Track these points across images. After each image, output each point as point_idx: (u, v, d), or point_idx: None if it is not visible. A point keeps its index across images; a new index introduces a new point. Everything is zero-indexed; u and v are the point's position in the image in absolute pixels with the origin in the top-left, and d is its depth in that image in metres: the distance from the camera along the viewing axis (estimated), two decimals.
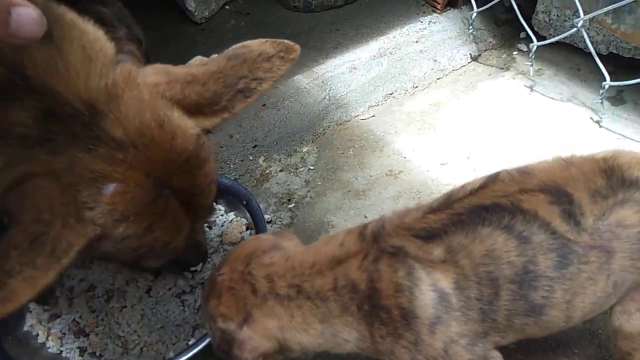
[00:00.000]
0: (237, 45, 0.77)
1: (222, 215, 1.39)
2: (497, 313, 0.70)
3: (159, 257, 0.80)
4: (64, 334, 1.17)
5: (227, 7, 2.26)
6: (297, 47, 0.76)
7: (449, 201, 0.75)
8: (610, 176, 0.74)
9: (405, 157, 1.58)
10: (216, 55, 0.78)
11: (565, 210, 0.71)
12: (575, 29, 1.53)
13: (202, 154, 0.73)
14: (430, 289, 0.69)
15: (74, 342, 1.15)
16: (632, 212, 0.72)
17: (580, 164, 0.76)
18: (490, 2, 1.80)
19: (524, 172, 0.76)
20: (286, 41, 0.76)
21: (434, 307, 0.69)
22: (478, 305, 0.69)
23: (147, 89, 0.69)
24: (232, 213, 1.37)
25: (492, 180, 0.76)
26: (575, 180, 0.74)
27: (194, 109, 0.71)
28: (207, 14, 2.18)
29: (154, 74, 0.72)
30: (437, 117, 1.71)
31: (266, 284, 0.74)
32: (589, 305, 0.74)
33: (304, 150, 1.67)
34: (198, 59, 0.81)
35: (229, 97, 0.71)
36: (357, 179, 1.54)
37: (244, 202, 1.33)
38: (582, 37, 1.56)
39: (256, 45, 0.76)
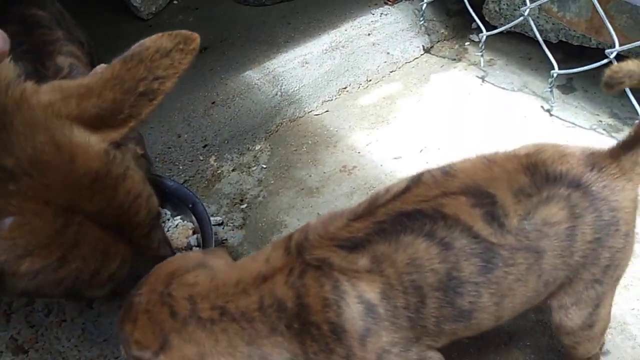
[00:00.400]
0: (135, 45, 0.71)
1: (167, 219, 1.34)
2: (425, 320, 0.68)
3: (99, 287, 0.74)
4: (1, 351, 1.11)
5: (174, 2, 2.19)
6: (196, 35, 0.71)
7: (372, 207, 0.72)
8: (533, 173, 0.71)
9: (359, 152, 1.55)
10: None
11: (487, 212, 0.68)
12: (522, 18, 1.53)
13: (114, 170, 0.67)
14: (357, 301, 0.66)
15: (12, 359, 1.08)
16: (557, 208, 0.69)
17: (503, 162, 0.73)
18: None
19: (446, 173, 0.73)
20: (184, 31, 0.71)
21: (362, 319, 0.66)
22: (406, 314, 0.67)
23: (40, 109, 0.63)
24: (179, 217, 1.32)
25: (415, 183, 0.73)
26: (498, 179, 0.71)
27: (96, 123, 0.66)
28: (154, 9, 2.10)
29: (49, 91, 0.66)
30: (391, 111, 1.69)
31: (187, 306, 0.69)
32: (519, 305, 0.73)
33: (256, 148, 1.62)
34: (99, 67, 0.75)
35: (132, 103, 0.66)
36: (310, 176, 1.51)
37: (190, 206, 1.28)
38: (531, 25, 1.57)
39: (152, 41, 0.70)
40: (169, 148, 1.58)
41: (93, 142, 0.65)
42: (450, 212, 0.68)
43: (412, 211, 0.69)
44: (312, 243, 0.70)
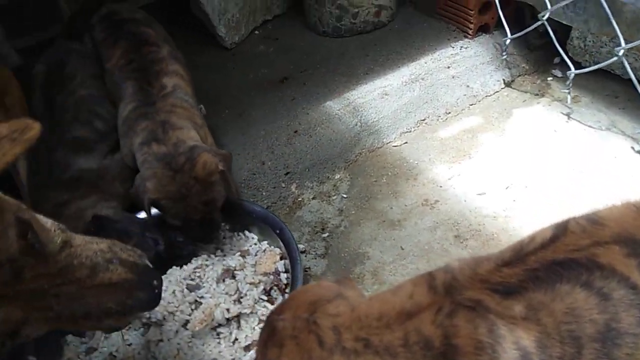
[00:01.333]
0: None
1: (255, 244, 1.37)
2: None
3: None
4: None
5: (256, 32, 2.27)
6: (37, 124, 0.64)
7: (520, 254, 0.72)
8: None
9: (440, 187, 1.55)
10: None
11: None
12: (616, 58, 1.49)
13: None
14: (513, 347, 0.65)
15: None
16: None
17: None
18: (525, 28, 1.78)
19: (594, 222, 0.73)
20: (28, 120, 0.65)
21: None
22: None
23: None
24: (265, 242, 1.35)
25: (562, 231, 0.73)
26: None
27: None
28: (237, 39, 2.19)
29: None
30: (472, 145, 1.68)
31: (332, 336, 0.70)
32: None
33: (336, 177, 1.65)
34: None
35: None
36: (391, 208, 1.51)
37: (277, 231, 1.31)
38: (620, 64, 1.53)
39: None
40: (254, 174, 1.62)
41: None
42: (605, 262, 0.68)
43: (565, 260, 0.69)
44: (462, 284, 0.70)
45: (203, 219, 1.25)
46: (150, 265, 0.86)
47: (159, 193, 1.19)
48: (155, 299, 0.83)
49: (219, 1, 2.06)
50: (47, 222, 0.73)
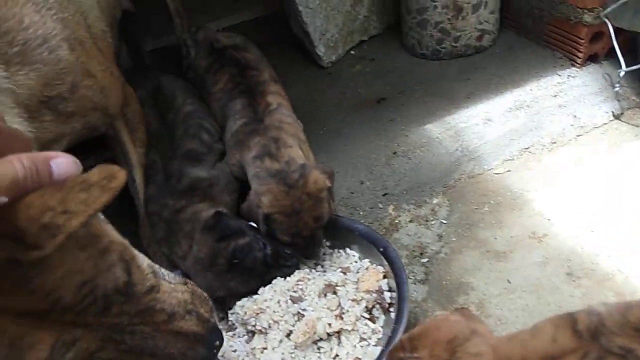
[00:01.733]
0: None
1: (355, 261, 1.36)
2: None
3: None
4: None
5: (352, 52, 2.30)
6: (123, 173, 0.65)
7: None
8: None
9: (548, 219, 1.48)
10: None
11: None
12: None
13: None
14: None
15: None
16: None
17: None
18: (638, 59, 1.69)
19: None
20: (112, 167, 0.65)
21: None
22: None
23: None
24: (367, 260, 1.34)
25: None
26: None
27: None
28: (333, 58, 2.22)
29: None
30: (580, 177, 1.60)
31: None
32: None
33: (434, 202, 1.62)
34: None
35: (35, 232, 0.58)
36: (495, 238, 1.46)
37: (381, 249, 1.29)
38: None
39: (91, 174, 0.64)
40: (352, 193, 1.62)
41: None
42: None
43: None
44: (611, 330, 0.67)
45: (311, 234, 1.26)
46: (219, 326, 0.90)
47: (273, 207, 1.23)
48: (211, 358, 0.86)
49: (321, 22, 2.10)
50: (144, 262, 0.78)
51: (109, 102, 1.19)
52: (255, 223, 1.28)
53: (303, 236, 1.25)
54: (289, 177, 1.24)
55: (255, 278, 1.25)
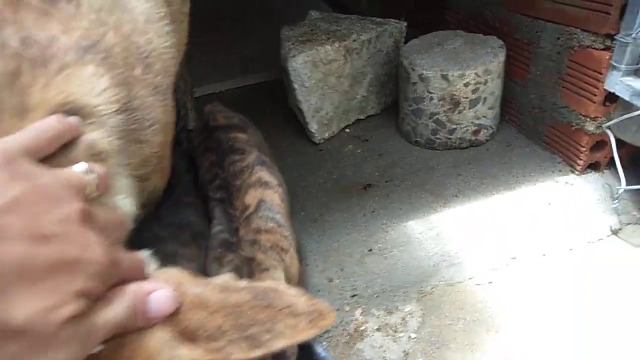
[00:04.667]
0: (272, 284, 0.65)
1: None
2: None
3: None
4: None
5: (346, 130, 2.24)
6: (333, 314, 0.63)
7: None
8: None
9: (525, 349, 1.34)
10: (247, 283, 0.65)
11: None
12: None
13: None
14: None
15: None
16: None
17: None
18: None
19: None
20: (323, 306, 0.63)
21: None
22: None
23: None
24: None
25: None
26: None
27: (187, 335, 0.60)
28: (326, 135, 2.17)
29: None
30: (573, 299, 1.47)
31: None
32: None
33: (406, 309, 1.49)
34: (227, 276, 0.69)
35: (232, 339, 0.59)
36: None
37: None
38: None
39: (289, 294, 0.63)
40: (318, 291, 1.51)
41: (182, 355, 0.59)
42: None
43: None
44: None
45: None
46: None
47: None
48: None
49: (315, 100, 2.05)
50: None
51: (161, 185, 1.16)
52: None
53: None
54: None
55: None
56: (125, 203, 0.80)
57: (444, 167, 1.93)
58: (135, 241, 1.28)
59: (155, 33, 1.06)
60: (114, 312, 0.52)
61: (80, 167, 0.62)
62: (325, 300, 1.48)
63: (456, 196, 1.78)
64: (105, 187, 0.67)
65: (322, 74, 2.02)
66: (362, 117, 2.27)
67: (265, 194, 1.37)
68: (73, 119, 0.69)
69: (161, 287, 0.57)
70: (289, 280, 1.27)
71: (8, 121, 0.67)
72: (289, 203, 1.46)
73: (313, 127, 2.10)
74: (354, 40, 2.07)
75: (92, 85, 0.80)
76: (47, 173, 0.57)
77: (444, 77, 1.85)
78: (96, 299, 0.52)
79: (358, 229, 1.69)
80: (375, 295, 1.52)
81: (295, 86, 2.00)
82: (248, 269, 1.19)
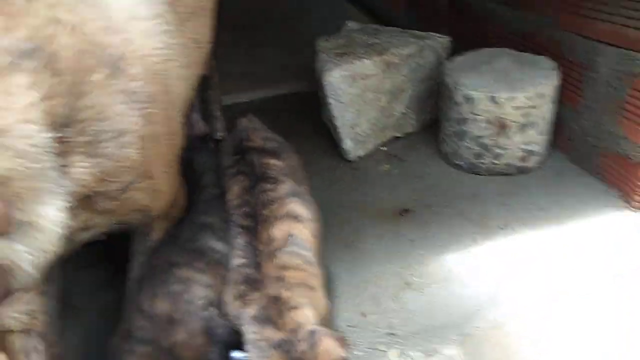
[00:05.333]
0: None
1: None
2: None
3: None
4: None
5: (383, 148, 2.13)
6: None
7: None
8: None
9: None
10: None
11: None
12: None
13: None
14: None
15: None
16: None
17: None
18: None
19: None
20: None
21: None
22: None
23: None
24: None
25: None
26: None
27: None
28: (361, 153, 2.06)
29: None
30: (615, 337, 1.33)
31: None
32: None
33: (446, 352, 1.37)
34: None
35: None
36: None
37: None
38: None
39: None
40: (350, 327, 1.40)
41: None
42: None
43: None
44: None
45: None
46: None
47: None
48: None
49: (351, 116, 1.94)
50: None
51: (156, 206, 1.06)
52: None
53: None
54: (294, 349, 1.02)
55: None
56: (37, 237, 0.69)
57: (488, 194, 1.80)
58: (150, 265, 1.20)
59: (139, 32, 0.94)
60: None
61: None
62: (358, 337, 1.37)
63: (502, 228, 1.65)
64: None
65: (359, 89, 1.92)
66: (399, 135, 2.15)
67: (295, 228, 1.25)
68: None
69: None
70: (320, 317, 1.16)
71: None
72: (322, 238, 1.35)
73: (347, 144, 1.99)
74: (394, 55, 1.96)
75: (13, 100, 0.69)
76: None
77: (492, 99, 1.72)
78: None
79: (394, 259, 1.57)
80: (413, 335, 1.39)
81: (331, 101, 1.89)
82: (276, 309, 1.09)
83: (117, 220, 1.00)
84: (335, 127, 1.97)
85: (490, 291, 1.48)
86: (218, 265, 1.20)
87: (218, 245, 1.22)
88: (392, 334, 1.39)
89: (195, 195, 1.35)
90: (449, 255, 1.57)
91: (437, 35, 2.13)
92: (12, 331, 0.97)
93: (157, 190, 1.05)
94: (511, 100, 1.71)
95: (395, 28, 2.20)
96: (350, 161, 2.05)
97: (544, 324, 1.43)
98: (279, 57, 2.98)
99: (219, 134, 2.22)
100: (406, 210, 1.77)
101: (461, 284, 1.49)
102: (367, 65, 1.88)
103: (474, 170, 1.89)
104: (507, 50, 1.96)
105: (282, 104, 2.57)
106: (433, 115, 2.18)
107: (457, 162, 1.92)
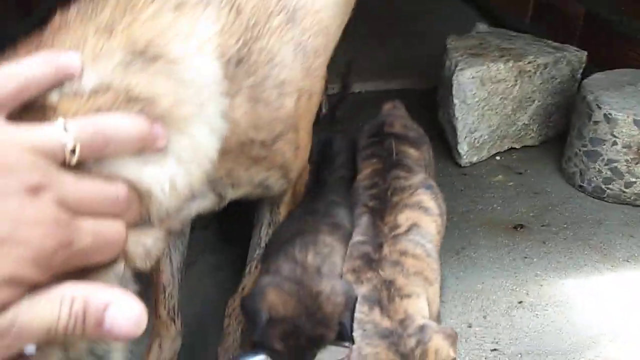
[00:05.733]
0: None
1: None
2: None
3: None
4: None
5: (497, 157, 2.04)
6: None
7: None
8: None
9: None
10: None
11: None
12: None
13: None
14: None
15: None
16: None
17: None
18: None
19: None
20: None
21: None
22: None
23: None
24: None
25: None
26: None
27: None
28: (474, 159, 1.99)
29: None
30: None
31: None
32: None
33: None
34: None
35: None
36: None
37: None
38: None
39: None
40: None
41: None
42: None
43: None
44: None
45: None
46: None
47: None
48: None
49: (473, 120, 1.88)
50: None
51: (294, 165, 1.08)
52: None
53: None
54: (403, 343, 0.98)
55: None
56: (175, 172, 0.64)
57: (613, 223, 1.68)
58: (297, 228, 1.23)
59: None
60: (44, 310, 0.42)
61: (56, 127, 0.47)
62: (462, 347, 1.33)
63: (627, 261, 1.53)
64: (98, 151, 0.51)
65: (487, 93, 1.85)
66: (517, 147, 2.06)
67: (422, 219, 1.23)
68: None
69: (126, 299, 0.45)
70: (431, 314, 1.13)
71: (91, 37, 0.58)
72: (442, 237, 1.32)
73: (463, 148, 1.93)
74: (529, 63, 1.88)
75: (196, 29, 0.70)
76: (7, 134, 0.45)
77: (637, 123, 1.60)
78: (32, 289, 0.42)
79: (506, 274, 1.50)
80: (519, 356, 1.33)
81: (456, 101, 1.84)
82: (387, 292, 1.07)
83: (260, 178, 1.00)
84: (454, 129, 1.91)
85: (610, 326, 1.38)
86: (348, 240, 1.22)
87: (347, 224, 1.23)
88: (497, 349, 1.34)
89: (327, 173, 1.36)
90: (568, 280, 1.48)
91: (575, 48, 2.01)
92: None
93: (298, 147, 1.05)
94: None
95: (529, 35, 2.10)
96: (461, 166, 1.99)
97: None
98: (394, 52, 2.94)
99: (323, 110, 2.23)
100: (521, 226, 1.69)
101: (579, 311, 1.40)
102: (500, 70, 1.81)
103: (599, 195, 1.77)
104: None
105: (394, 98, 2.53)
106: (556, 131, 2.06)
107: (581, 184, 1.81)
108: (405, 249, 1.15)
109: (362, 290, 1.09)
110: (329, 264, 1.12)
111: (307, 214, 1.23)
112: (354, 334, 1.05)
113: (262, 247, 1.24)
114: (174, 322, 1.25)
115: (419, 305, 1.07)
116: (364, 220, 1.22)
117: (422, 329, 1.00)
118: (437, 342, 0.98)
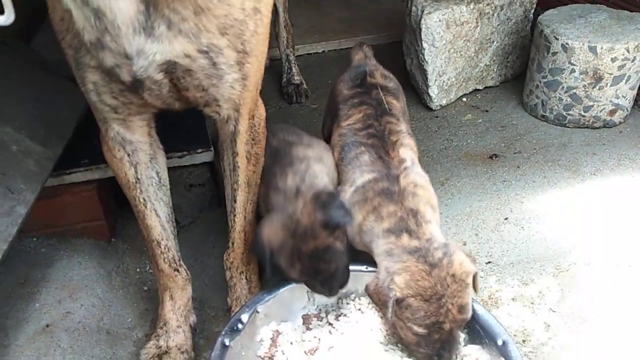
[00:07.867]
0: None
1: (464, 346, 1.17)
2: None
3: None
4: None
5: (464, 99, 2.16)
6: None
7: None
8: None
9: None
10: None
11: None
12: None
13: None
14: None
15: None
16: None
17: None
18: None
19: None
20: None
21: None
22: None
23: None
24: (476, 347, 1.15)
25: None
26: None
27: None
28: (444, 102, 2.10)
29: None
30: None
31: None
32: None
33: (542, 282, 1.43)
34: None
35: None
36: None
37: (500, 343, 1.11)
38: None
39: None
40: None
41: None
42: None
43: None
44: None
45: (451, 331, 1.07)
46: None
47: (409, 289, 1.05)
48: None
49: (441, 63, 1.98)
50: None
51: (244, 93, 1.07)
52: (381, 307, 1.11)
53: (443, 329, 1.06)
54: (431, 255, 1.07)
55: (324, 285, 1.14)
56: None
57: (577, 145, 1.84)
58: (271, 148, 1.25)
59: None
60: None
61: None
62: None
63: (594, 174, 1.69)
64: None
65: (452, 36, 1.95)
66: (480, 88, 2.18)
67: (415, 158, 1.32)
68: None
69: None
70: None
71: None
72: None
73: (434, 91, 2.03)
74: (488, 4, 1.98)
75: None
76: None
77: (591, 49, 1.74)
78: None
79: (490, 196, 1.63)
80: (511, 265, 1.46)
81: (425, 45, 1.93)
82: (415, 220, 1.14)
83: (206, 42, 0.95)
84: (424, 73, 2.00)
85: (586, 232, 1.53)
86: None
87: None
88: (491, 262, 1.46)
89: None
90: (544, 195, 1.62)
91: None
92: None
93: (247, 77, 1.04)
94: (610, 52, 1.73)
95: None
96: (432, 110, 2.09)
97: (637, 267, 1.48)
98: (358, 11, 2.96)
99: (296, 78, 2.26)
100: (496, 155, 1.81)
101: (558, 222, 1.55)
102: (463, 12, 1.91)
103: (560, 122, 1.92)
104: (601, 6, 1.97)
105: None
106: (513, 71, 2.20)
107: (543, 114, 1.95)
108: (415, 181, 1.23)
109: (384, 225, 1.15)
110: (308, 177, 1.21)
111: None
112: (382, 262, 1.12)
113: (236, 190, 1.25)
114: (178, 271, 1.27)
115: (437, 230, 1.17)
116: (365, 159, 1.28)
117: (445, 245, 1.10)
118: (461, 256, 1.09)
